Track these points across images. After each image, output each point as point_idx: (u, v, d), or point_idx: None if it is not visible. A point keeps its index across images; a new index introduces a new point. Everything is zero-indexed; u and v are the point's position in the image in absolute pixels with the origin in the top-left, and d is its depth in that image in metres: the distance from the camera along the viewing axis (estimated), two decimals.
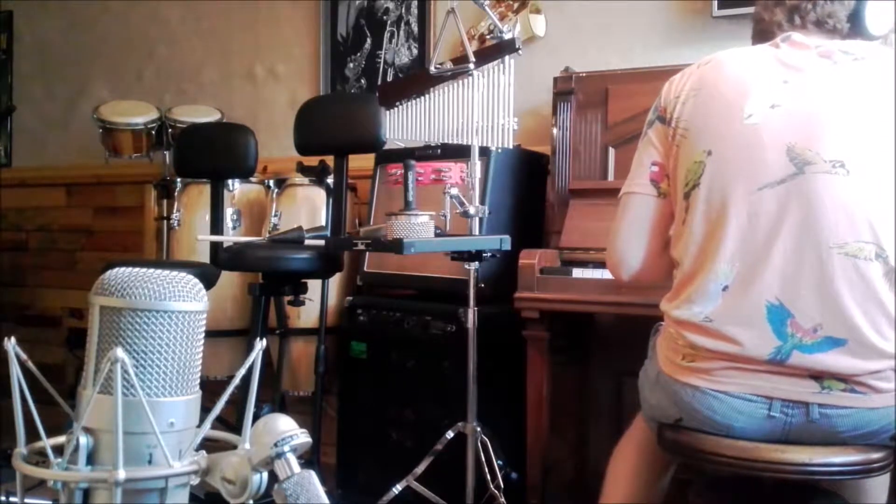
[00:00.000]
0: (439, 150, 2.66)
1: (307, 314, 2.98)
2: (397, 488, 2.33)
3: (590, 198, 2.50)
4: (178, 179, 3.22)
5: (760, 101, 1.51)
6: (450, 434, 2.28)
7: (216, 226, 2.95)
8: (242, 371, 1.04)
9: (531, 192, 2.76)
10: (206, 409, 1.05)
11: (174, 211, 3.22)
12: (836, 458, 1.49)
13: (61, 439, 1.01)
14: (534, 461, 2.40)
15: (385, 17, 3.36)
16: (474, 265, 2.21)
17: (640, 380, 1.74)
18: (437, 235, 2.08)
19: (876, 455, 1.51)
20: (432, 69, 2.16)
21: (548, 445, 2.42)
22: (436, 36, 3.18)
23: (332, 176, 2.83)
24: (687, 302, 1.54)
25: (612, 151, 2.58)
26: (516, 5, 3.00)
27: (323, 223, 2.91)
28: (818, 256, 1.44)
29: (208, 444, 1.06)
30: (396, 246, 1.96)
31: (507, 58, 2.09)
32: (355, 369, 2.78)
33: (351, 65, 3.44)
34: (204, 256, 2.99)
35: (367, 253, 2.83)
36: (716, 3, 2.72)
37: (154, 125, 3.39)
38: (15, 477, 1.01)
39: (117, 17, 4.04)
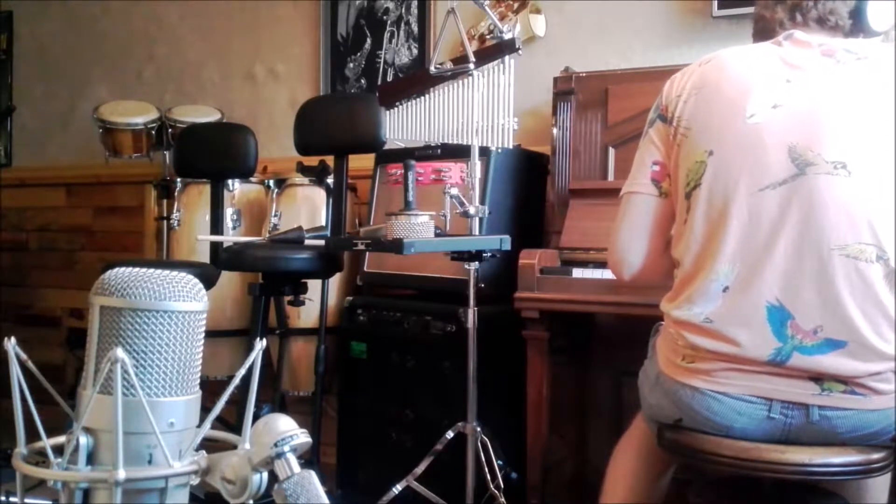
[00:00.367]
0: (439, 150, 2.66)
1: (307, 314, 2.98)
2: (397, 488, 2.33)
3: (590, 198, 2.50)
4: (178, 179, 3.22)
5: (762, 100, 1.50)
6: (450, 434, 2.28)
7: (216, 226, 2.95)
8: (242, 371, 1.03)
9: (531, 192, 2.76)
10: (206, 409, 1.05)
11: (174, 211, 3.21)
12: (836, 458, 1.49)
13: (61, 439, 1.01)
14: (534, 461, 2.40)
15: (385, 17, 3.36)
16: (474, 265, 2.21)
17: (639, 380, 1.74)
18: (437, 235, 2.08)
19: (876, 455, 1.51)
20: (432, 69, 2.16)
21: (548, 445, 2.42)
22: (436, 36, 3.18)
23: (332, 176, 2.84)
24: (687, 302, 1.54)
25: (612, 151, 2.58)
26: (516, 5, 3.00)
27: (323, 223, 2.91)
28: (819, 258, 1.43)
29: (208, 444, 1.06)
30: (396, 246, 1.96)
31: (507, 58, 2.09)
32: (355, 369, 2.78)
33: (351, 65, 3.44)
34: (204, 256, 3.00)
35: (367, 253, 2.83)
36: (716, 3, 2.72)
37: (154, 125, 3.39)
38: (15, 477, 1.01)
39: (117, 17, 4.04)
